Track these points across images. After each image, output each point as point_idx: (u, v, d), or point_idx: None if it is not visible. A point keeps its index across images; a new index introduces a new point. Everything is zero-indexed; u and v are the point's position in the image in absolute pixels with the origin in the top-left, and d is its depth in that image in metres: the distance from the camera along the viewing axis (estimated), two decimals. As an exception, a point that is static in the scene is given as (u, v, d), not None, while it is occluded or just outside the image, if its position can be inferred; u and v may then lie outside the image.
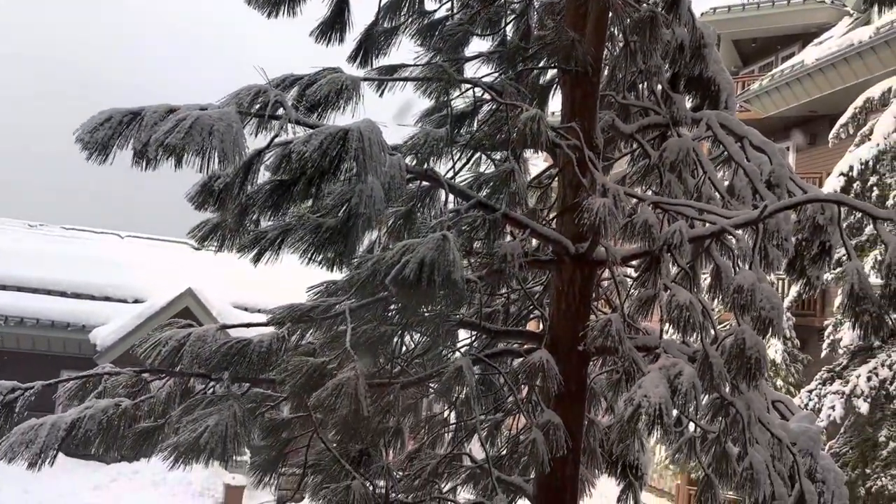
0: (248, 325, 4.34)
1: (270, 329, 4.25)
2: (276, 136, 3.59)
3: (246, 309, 20.35)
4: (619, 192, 4.44)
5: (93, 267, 20.59)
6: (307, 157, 3.36)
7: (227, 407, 3.60)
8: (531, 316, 5.94)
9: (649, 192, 5.90)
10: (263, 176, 3.81)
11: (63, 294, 19.94)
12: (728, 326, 6.72)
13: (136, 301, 20.03)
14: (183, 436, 3.51)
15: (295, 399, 4.03)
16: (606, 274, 5.38)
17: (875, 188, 11.06)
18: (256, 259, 4.38)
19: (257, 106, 3.46)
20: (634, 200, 4.93)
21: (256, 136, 3.58)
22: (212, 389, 4.29)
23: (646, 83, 5.92)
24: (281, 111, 3.53)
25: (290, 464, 4.50)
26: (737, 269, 4.94)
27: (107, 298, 20.18)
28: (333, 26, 5.02)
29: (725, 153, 5.62)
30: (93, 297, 20.08)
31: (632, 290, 5.16)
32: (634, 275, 5.11)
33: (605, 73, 5.75)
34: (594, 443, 6.24)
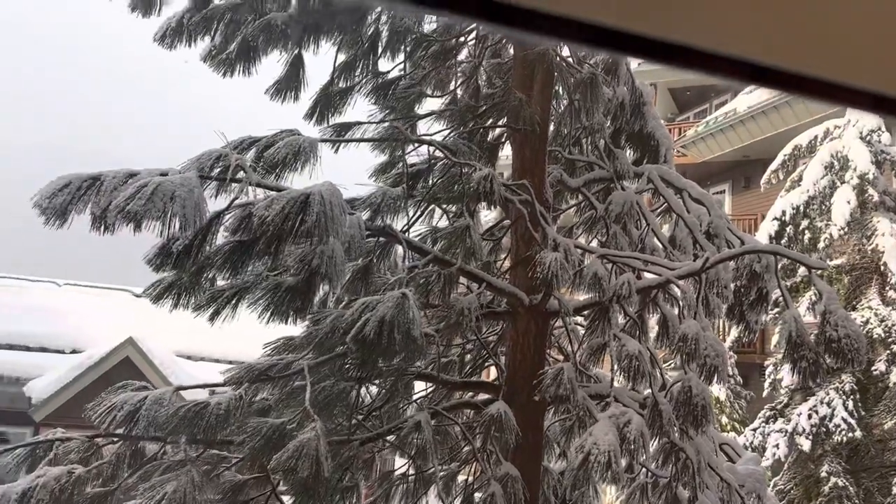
0: (204, 387, 4.30)
1: (228, 390, 4.23)
2: (235, 198, 3.65)
3: (189, 357, 19.82)
4: (569, 245, 4.62)
5: (28, 316, 19.82)
6: (269, 221, 3.42)
7: (184, 472, 3.56)
8: (486, 364, 6.03)
9: (595, 243, 6.13)
10: (222, 236, 3.85)
11: (-5, 346, 19.07)
12: (674, 369, 6.95)
13: (73, 351, 19.29)
14: (142, 503, 3.45)
15: (254, 461, 4.00)
16: (559, 323, 5.53)
17: (807, 231, 11.64)
18: (213, 317, 4.38)
19: (218, 170, 3.52)
20: (584, 252, 5.12)
21: (216, 197, 3.63)
22: (163, 452, 4.22)
23: (590, 139, 6.19)
24: (241, 174, 3.59)
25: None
26: (682, 317, 5.15)
27: (43, 349, 19.39)
28: (289, 86, 5.13)
29: (666, 205, 5.89)
30: (27, 348, 19.27)
31: (583, 339, 5.32)
32: (585, 324, 5.27)
33: (551, 129, 5.99)
34: (548, 490, 6.31)
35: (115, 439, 3.92)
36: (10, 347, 18.98)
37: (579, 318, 5.67)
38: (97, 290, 22.82)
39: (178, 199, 3.08)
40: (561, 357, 5.92)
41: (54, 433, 3.86)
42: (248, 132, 4.08)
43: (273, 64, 5.19)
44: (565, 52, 5.68)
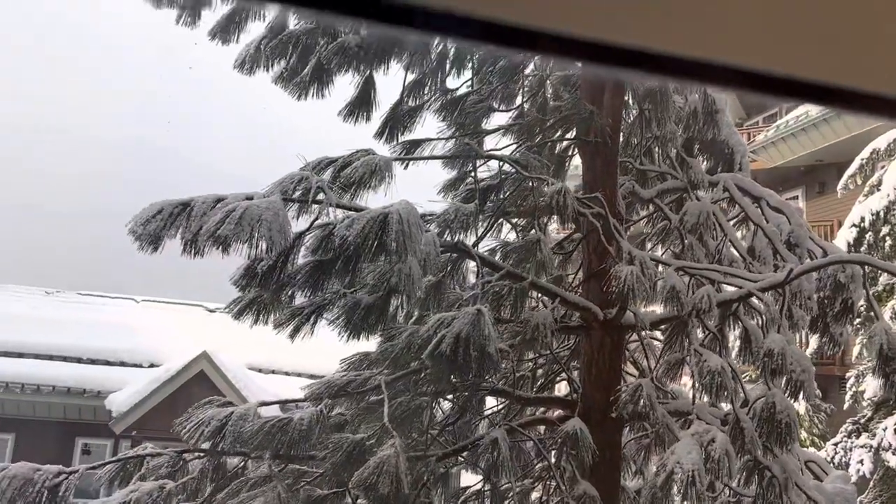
0: (285, 402, 4.40)
1: (307, 404, 4.32)
2: (316, 218, 3.73)
3: (260, 370, 20.30)
4: (645, 258, 4.54)
5: (108, 332, 20.65)
6: (349, 241, 3.49)
7: (270, 488, 3.64)
8: (558, 379, 5.98)
9: (668, 255, 6.01)
10: (303, 255, 3.95)
11: (79, 360, 19.94)
12: (749, 382, 6.73)
13: (151, 365, 20.00)
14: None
15: (335, 475, 4.06)
16: (634, 337, 5.44)
17: (888, 238, 11.13)
18: (293, 334, 4.48)
19: (299, 192, 3.62)
20: (657, 264, 5.03)
21: (298, 219, 3.73)
22: (244, 467, 4.33)
23: (661, 148, 6.10)
24: (322, 196, 3.68)
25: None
26: (765, 331, 5.00)
27: (122, 363, 20.16)
28: (360, 106, 5.23)
29: (743, 214, 5.74)
30: (108, 363, 20.07)
31: (661, 355, 5.22)
32: (663, 339, 5.17)
33: (621, 139, 5.93)
34: (624, 507, 6.19)
35: (202, 455, 4.04)
36: (93, 362, 19.82)
37: (656, 333, 5.57)
38: (173, 306, 23.64)
39: (264, 222, 3.17)
40: (636, 372, 5.82)
41: (144, 448, 4.00)
42: (310, 147, 4.18)
43: (344, 86, 5.30)
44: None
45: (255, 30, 4.92)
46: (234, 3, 4.97)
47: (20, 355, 19.49)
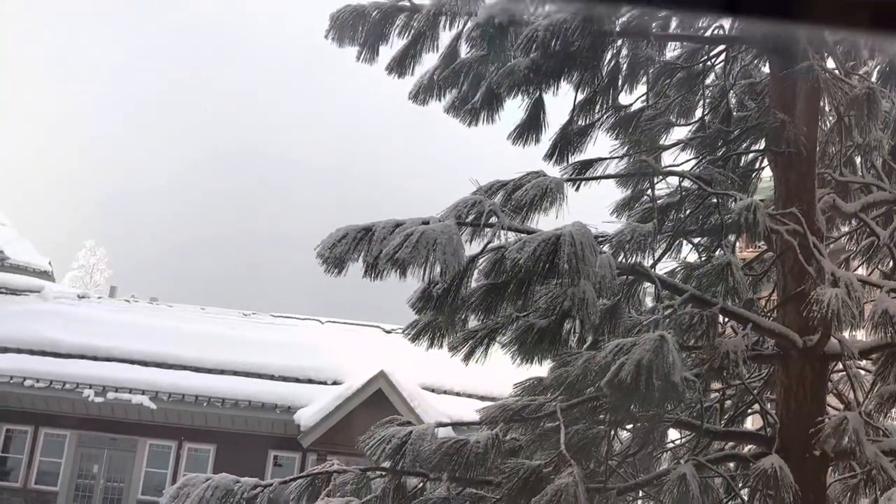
0: (461, 424, 4.42)
1: (483, 427, 4.30)
2: (488, 242, 3.73)
3: (433, 390, 20.84)
4: (850, 279, 4.07)
5: (296, 351, 22.17)
6: (521, 264, 3.44)
7: (447, 511, 3.65)
8: (749, 412, 5.51)
9: (877, 275, 5.37)
10: (475, 279, 3.96)
11: (271, 377, 21.58)
12: None
13: (334, 383, 21.18)
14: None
15: (511, 502, 3.99)
16: (837, 367, 4.90)
17: None
18: (467, 357, 4.50)
19: (472, 216, 3.64)
20: (864, 285, 4.50)
21: (471, 242, 3.75)
22: (422, 488, 4.38)
23: (864, 157, 5.50)
24: (494, 219, 3.68)
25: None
26: None
27: (309, 381, 21.54)
28: (530, 128, 5.19)
29: (972, 228, 5.00)
30: (297, 380, 21.53)
31: (872, 386, 4.65)
32: (874, 369, 4.60)
33: (818, 149, 5.41)
34: (830, 555, 5.55)
35: (383, 473, 4.14)
36: (284, 379, 21.36)
37: (865, 362, 4.98)
38: (353, 327, 24.98)
39: (439, 245, 3.22)
40: (841, 406, 5.22)
41: (331, 465, 4.18)
42: (479, 173, 4.18)
43: (513, 109, 5.30)
44: (830, 64, 5.12)
45: (428, 62, 5.07)
46: (409, 39, 5.16)
47: (221, 372, 21.45)
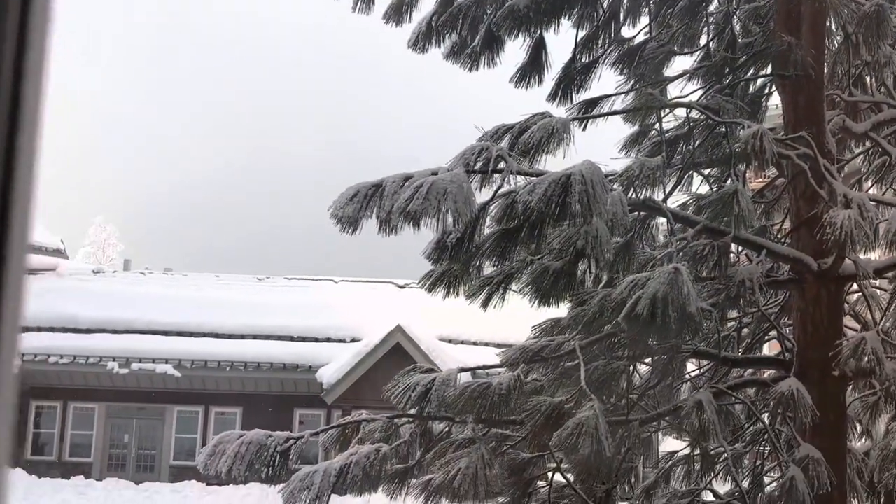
0: (483, 368, 4.50)
1: (505, 371, 4.37)
2: (499, 188, 3.73)
3: (450, 341, 21.09)
4: (863, 200, 4.06)
5: (313, 311, 22.41)
6: (532, 206, 3.45)
7: (475, 450, 3.74)
8: (766, 338, 5.56)
9: (890, 194, 5.35)
10: (488, 226, 3.97)
11: (290, 338, 21.88)
12: None
13: (352, 340, 21.46)
14: (438, 477, 3.70)
15: (535, 438, 4.08)
16: (853, 288, 4.92)
17: None
18: (485, 303, 4.55)
19: (480, 163, 3.63)
20: (878, 206, 4.48)
21: (481, 189, 3.74)
22: (448, 432, 4.48)
23: (874, 76, 5.41)
24: (502, 164, 3.67)
25: (533, 501, 4.55)
26: None
27: (327, 340, 21.84)
28: (532, 70, 5.13)
29: None
30: (316, 340, 21.82)
31: (889, 305, 4.67)
32: (889, 288, 4.62)
33: (825, 70, 5.33)
34: (850, 472, 5.66)
35: (411, 419, 4.24)
36: (303, 339, 21.66)
37: (879, 282, 4.99)
38: (367, 285, 25.17)
39: (449, 195, 3.22)
40: (858, 327, 5.26)
41: (360, 414, 4.28)
42: (485, 119, 4.15)
43: (515, 51, 5.23)
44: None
45: (426, 6, 4.98)
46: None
47: (241, 337, 21.74)
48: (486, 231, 3.94)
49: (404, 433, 4.34)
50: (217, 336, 21.53)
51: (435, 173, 3.40)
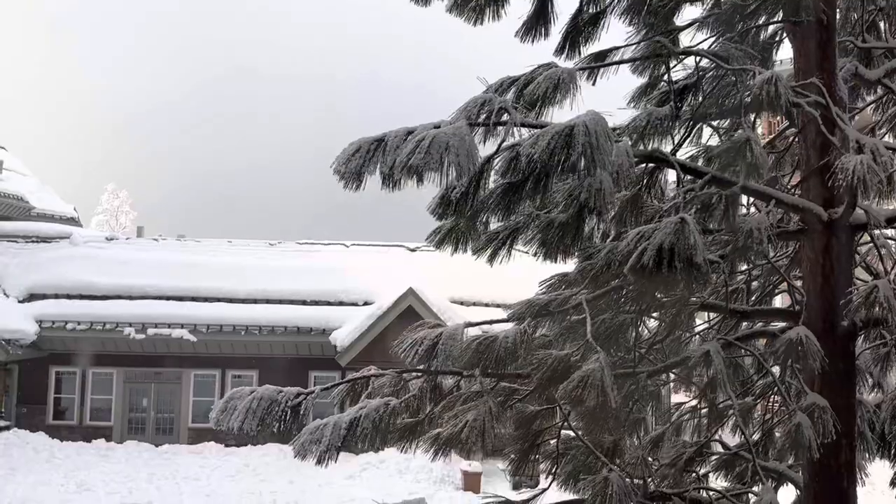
0: (490, 322, 4.50)
1: (511, 325, 4.37)
2: (503, 141, 3.68)
3: (461, 303, 21.19)
4: (877, 146, 3.97)
5: (325, 276, 22.53)
6: (535, 159, 3.40)
7: (482, 403, 3.77)
8: (776, 291, 5.53)
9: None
10: (493, 180, 3.93)
11: (303, 302, 22.04)
12: None
13: (365, 303, 21.59)
14: (446, 430, 3.73)
15: (542, 391, 4.11)
16: (865, 238, 4.86)
17: None
18: (491, 258, 4.53)
19: (483, 115, 3.58)
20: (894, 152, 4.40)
21: (485, 142, 3.70)
22: (457, 387, 4.51)
23: (889, 21, 5.26)
24: (505, 116, 3.62)
25: (541, 453, 4.60)
26: None
27: (340, 303, 21.99)
28: (538, 22, 5.03)
29: None
30: (329, 303, 21.98)
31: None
32: (901, 237, 4.56)
33: (838, 16, 5.18)
34: (862, 424, 5.67)
35: (419, 374, 4.27)
36: (316, 303, 21.83)
37: (891, 231, 4.93)
38: (377, 248, 25.22)
39: (451, 148, 3.19)
40: (869, 278, 5.21)
41: (369, 370, 4.31)
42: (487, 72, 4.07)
43: (521, 4, 5.11)
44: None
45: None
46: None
47: (255, 301, 21.94)
48: (491, 185, 3.91)
49: (413, 388, 4.38)
50: (231, 300, 21.74)
51: (437, 126, 3.36)
